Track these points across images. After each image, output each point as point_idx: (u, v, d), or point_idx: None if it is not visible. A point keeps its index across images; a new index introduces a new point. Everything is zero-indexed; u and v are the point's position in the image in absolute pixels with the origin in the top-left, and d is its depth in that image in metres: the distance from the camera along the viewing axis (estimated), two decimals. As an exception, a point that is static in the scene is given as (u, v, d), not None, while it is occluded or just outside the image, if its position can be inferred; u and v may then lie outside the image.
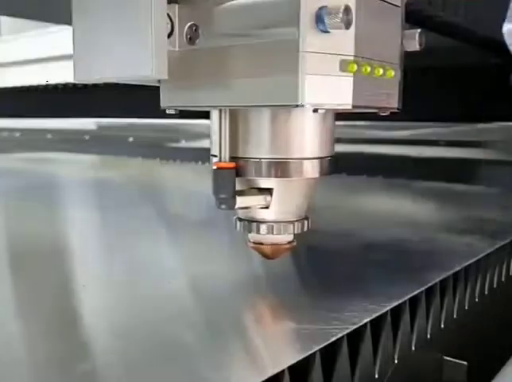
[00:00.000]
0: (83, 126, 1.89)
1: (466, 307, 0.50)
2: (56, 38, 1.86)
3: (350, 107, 0.35)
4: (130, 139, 1.70)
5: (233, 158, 0.38)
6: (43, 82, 2.06)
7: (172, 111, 0.39)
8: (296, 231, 0.41)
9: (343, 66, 0.33)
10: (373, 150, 1.15)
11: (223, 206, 0.38)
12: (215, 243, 0.56)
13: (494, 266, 0.56)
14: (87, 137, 1.87)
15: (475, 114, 1.01)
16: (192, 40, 0.36)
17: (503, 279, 0.57)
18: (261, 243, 0.42)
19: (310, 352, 0.30)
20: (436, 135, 1.09)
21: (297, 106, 0.33)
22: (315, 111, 0.35)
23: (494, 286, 0.56)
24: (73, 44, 0.36)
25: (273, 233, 0.40)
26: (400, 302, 0.39)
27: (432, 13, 1.01)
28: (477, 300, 0.52)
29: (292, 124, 0.38)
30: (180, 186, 1.06)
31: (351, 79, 0.34)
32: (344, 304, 0.37)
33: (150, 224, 0.66)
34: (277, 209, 0.40)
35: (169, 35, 0.35)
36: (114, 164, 1.50)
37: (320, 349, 0.31)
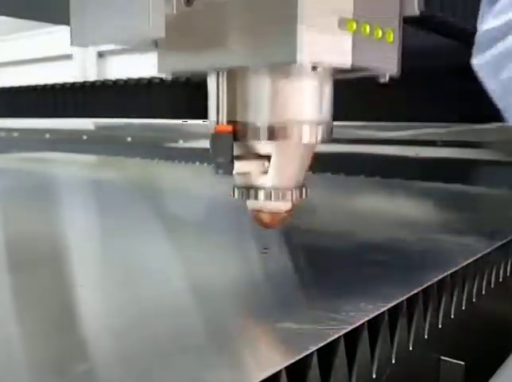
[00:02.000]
0: (81, 126, 1.89)
1: (463, 307, 0.49)
2: (53, 38, 1.87)
3: (349, 65, 0.34)
4: (128, 139, 1.70)
5: (231, 122, 0.37)
6: (41, 82, 2.07)
7: (168, 76, 0.38)
8: (294, 198, 0.40)
9: (342, 24, 0.33)
10: (372, 151, 1.16)
11: (221, 171, 0.37)
12: (213, 243, 0.56)
13: (492, 266, 0.55)
14: (84, 137, 1.87)
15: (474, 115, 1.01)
16: (189, 1, 0.35)
17: (501, 280, 0.57)
18: (260, 210, 0.41)
19: (307, 353, 0.30)
20: (434, 136, 1.10)
21: (296, 63, 0.32)
22: (313, 68, 0.34)
23: (492, 286, 0.55)
24: (70, 8, 0.35)
25: (271, 199, 0.40)
26: (397, 302, 0.39)
27: (430, 13, 1.01)
28: (474, 300, 0.51)
29: (290, 88, 0.37)
30: (178, 186, 1.06)
31: (350, 37, 0.33)
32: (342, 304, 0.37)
33: (147, 225, 0.66)
34: (276, 175, 0.39)
35: None
36: (111, 164, 1.50)
37: (318, 349, 0.31)
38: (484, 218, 0.71)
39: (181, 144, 1.55)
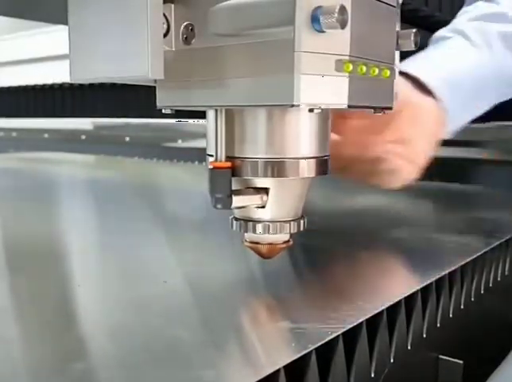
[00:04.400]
0: (79, 126, 1.90)
1: (462, 306, 0.50)
2: (52, 38, 1.87)
3: (345, 106, 0.35)
4: (127, 139, 1.70)
5: (229, 158, 0.38)
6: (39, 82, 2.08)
7: (168, 111, 0.39)
8: (292, 231, 0.41)
9: (339, 66, 0.33)
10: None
11: (219, 206, 0.38)
12: (214, 243, 0.56)
13: (491, 265, 0.56)
14: (83, 137, 1.88)
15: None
16: (187, 39, 0.36)
17: (499, 278, 0.57)
18: (258, 243, 0.42)
19: (306, 352, 0.30)
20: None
21: (293, 106, 0.32)
22: (310, 110, 0.35)
23: (491, 284, 0.56)
24: (69, 43, 0.36)
25: (269, 233, 0.40)
26: (395, 301, 0.39)
27: (428, 13, 1.02)
28: (473, 299, 0.52)
29: (287, 124, 0.38)
30: (176, 186, 1.06)
31: (347, 79, 0.34)
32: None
33: (146, 224, 0.66)
34: (274, 209, 0.40)
35: (165, 35, 0.35)
36: (110, 164, 1.50)
37: (316, 348, 0.31)
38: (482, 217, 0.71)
39: (180, 144, 1.55)
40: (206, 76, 0.36)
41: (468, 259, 0.49)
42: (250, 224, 0.40)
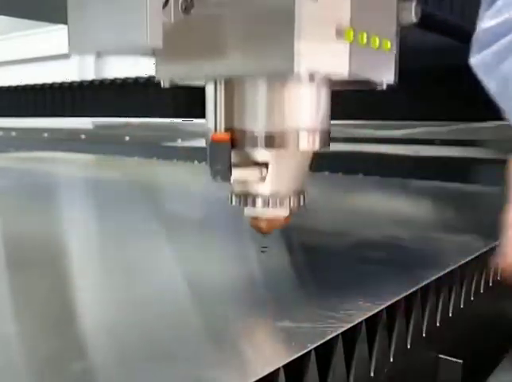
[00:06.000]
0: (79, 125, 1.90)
1: (461, 305, 0.49)
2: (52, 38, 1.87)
3: (346, 74, 0.34)
4: (127, 138, 1.70)
5: (228, 130, 0.37)
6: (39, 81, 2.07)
7: (166, 84, 0.38)
8: (292, 206, 0.41)
9: (340, 33, 0.33)
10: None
11: (219, 178, 0.37)
12: (212, 241, 0.56)
13: (489, 265, 0.55)
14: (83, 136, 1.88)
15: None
16: (187, 9, 0.35)
17: (499, 278, 0.57)
18: (257, 218, 0.41)
19: (305, 351, 0.30)
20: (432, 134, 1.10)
21: (293, 73, 0.32)
22: (311, 78, 0.34)
23: (490, 284, 0.55)
24: (68, 15, 0.35)
25: (268, 207, 0.40)
26: (395, 300, 0.38)
27: (428, 11, 1.01)
28: (472, 298, 0.51)
29: (288, 95, 0.37)
30: (176, 185, 1.05)
31: (348, 46, 0.34)
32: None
33: (144, 223, 0.66)
34: (273, 182, 0.39)
35: (164, 5, 0.34)
36: (110, 163, 1.50)
37: (316, 348, 0.31)
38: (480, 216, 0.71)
39: (180, 143, 1.55)
40: (204, 46, 0.35)
41: (467, 259, 0.49)
42: (250, 198, 0.40)
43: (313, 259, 0.48)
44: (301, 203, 0.41)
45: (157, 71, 0.38)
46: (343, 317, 0.34)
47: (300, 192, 0.41)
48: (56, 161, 1.54)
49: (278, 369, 0.29)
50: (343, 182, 1.07)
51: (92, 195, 0.91)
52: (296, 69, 0.32)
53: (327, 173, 1.10)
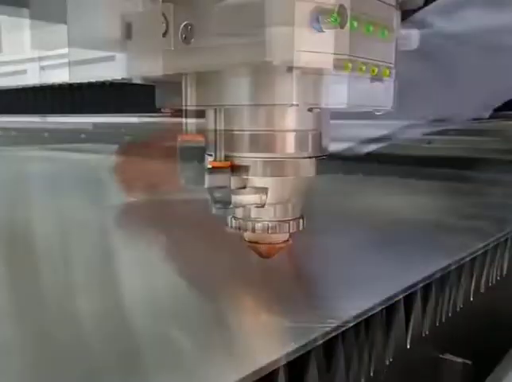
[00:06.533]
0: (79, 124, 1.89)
1: (466, 302, 0.49)
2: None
3: (345, 105, 0.35)
4: (127, 138, 1.70)
5: (228, 157, 0.38)
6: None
7: (138, 81, 0.38)
8: (291, 230, 0.41)
9: (338, 65, 0.33)
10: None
11: (218, 205, 0.38)
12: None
13: (492, 262, 0.55)
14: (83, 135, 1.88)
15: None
16: (186, 39, 0.35)
17: (505, 273, 0.57)
18: (257, 242, 0.41)
19: (305, 350, 0.30)
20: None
21: (266, 62, 0.31)
22: (309, 110, 0.35)
23: (498, 278, 0.55)
24: (29, 11, 0.37)
25: (268, 232, 0.40)
26: (395, 299, 0.38)
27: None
28: (478, 295, 0.51)
29: (287, 122, 0.37)
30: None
31: (346, 78, 0.34)
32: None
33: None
34: (273, 208, 0.40)
35: (164, 34, 0.35)
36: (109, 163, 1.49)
37: (316, 347, 0.31)
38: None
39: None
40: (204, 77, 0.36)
41: (469, 256, 0.48)
42: (249, 223, 0.40)
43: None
44: (301, 228, 0.41)
45: (127, 68, 0.38)
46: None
47: (300, 217, 0.41)
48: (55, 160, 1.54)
49: (278, 368, 0.28)
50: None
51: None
52: (268, 58, 0.31)
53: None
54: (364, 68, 0.34)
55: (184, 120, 0.38)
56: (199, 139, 0.38)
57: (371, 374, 0.37)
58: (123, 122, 1.70)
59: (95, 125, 1.85)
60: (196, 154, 0.39)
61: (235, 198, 0.38)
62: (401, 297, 0.39)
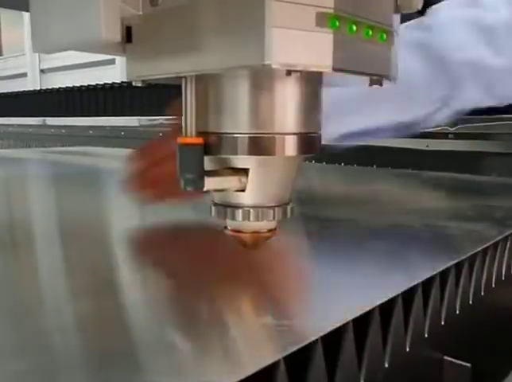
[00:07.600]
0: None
1: (470, 301, 0.46)
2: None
3: (329, 69, 0.29)
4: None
5: (203, 133, 0.33)
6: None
7: (138, 83, 0.34)
8: (276, 218, 0.36)
9: (321, 20, 0.28)
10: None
11: (189, 187, 0.33)
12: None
13: (503, 255, 0.51)
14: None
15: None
16: (153, 0, 0.31)
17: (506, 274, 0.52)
18: (240, 231, 0.37)
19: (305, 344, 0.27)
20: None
21: (264, 65, 0.27)
22: (288, 73, 0.29)
23: (503, 278, 0.51)
24: (30, 13, 0.33)
25: (249, 220, 0.35)
26: (395, 296, 0.35)
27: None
28: (483, 293, 0.48)
29: (272, 93, 0.32)
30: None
31: (331, 36, 0.28)
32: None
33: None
34: (255, 192, 0.35)
35: None
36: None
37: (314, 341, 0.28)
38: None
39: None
40: (173, 40, 0.31)
41: (478, 249, 0.45)
42: (229, 209, 0.35)
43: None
44: (288, 215, 0.36)
45: (127, 70, 0.34)
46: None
47: (287, 203, 0.36)
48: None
49: (278, 361, 0.26)
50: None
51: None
52: (267, 61, 0.27)
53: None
54: (354, 27, 0.30)
55: (183, 121, 0.33)
56: (199, 142, 0.33)
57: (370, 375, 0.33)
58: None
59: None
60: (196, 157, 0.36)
61: (208, 180, 0.33)
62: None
